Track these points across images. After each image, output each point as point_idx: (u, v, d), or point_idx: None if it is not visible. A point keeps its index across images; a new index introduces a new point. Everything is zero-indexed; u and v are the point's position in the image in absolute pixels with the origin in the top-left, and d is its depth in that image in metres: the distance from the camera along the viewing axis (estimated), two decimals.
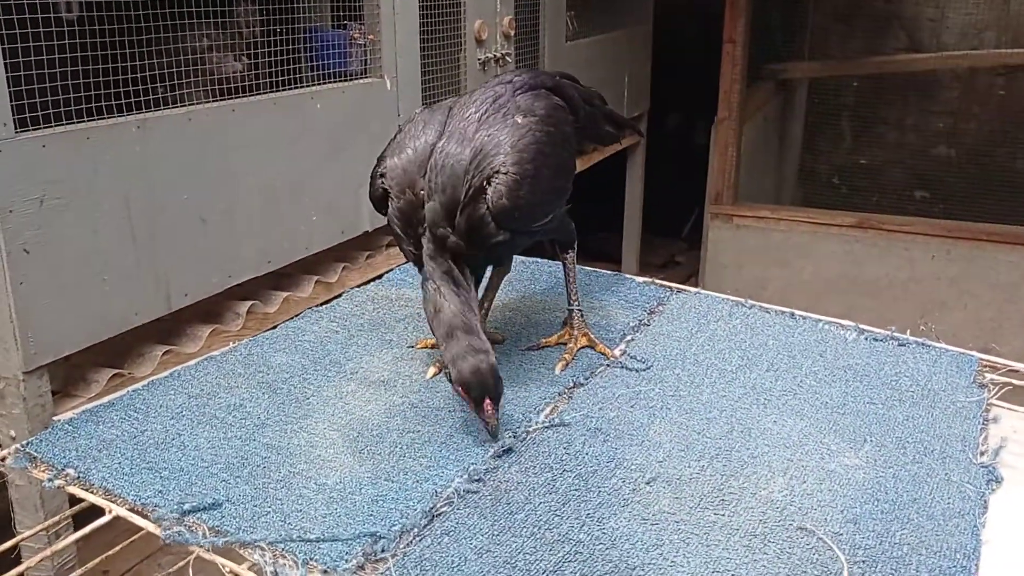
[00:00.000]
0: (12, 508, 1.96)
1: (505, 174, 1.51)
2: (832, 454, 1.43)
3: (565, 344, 1.78)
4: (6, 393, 1.88)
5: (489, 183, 1.51)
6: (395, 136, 1.67)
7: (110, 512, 1.25)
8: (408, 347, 1.79)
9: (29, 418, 1.89)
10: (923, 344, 1.80)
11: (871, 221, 4.86)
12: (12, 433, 1.91)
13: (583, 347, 1.78)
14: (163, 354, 2.21)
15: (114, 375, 2.09)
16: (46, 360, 1.89)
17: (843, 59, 5.90)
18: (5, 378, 1.87)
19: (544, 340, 1.81)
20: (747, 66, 4.97)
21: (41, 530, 1.57)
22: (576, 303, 1.81)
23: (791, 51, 5.72)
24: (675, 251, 6.31)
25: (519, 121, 1.60)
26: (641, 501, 1.30)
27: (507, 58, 3.53)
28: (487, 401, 1.43)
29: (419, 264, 1.59)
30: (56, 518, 1.60)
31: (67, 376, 2.06)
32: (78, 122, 1.91)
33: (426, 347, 1.78)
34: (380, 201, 1.63)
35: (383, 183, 1.61)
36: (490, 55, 3.42)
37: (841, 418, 1.54)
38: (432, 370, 1.69)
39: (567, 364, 1.71)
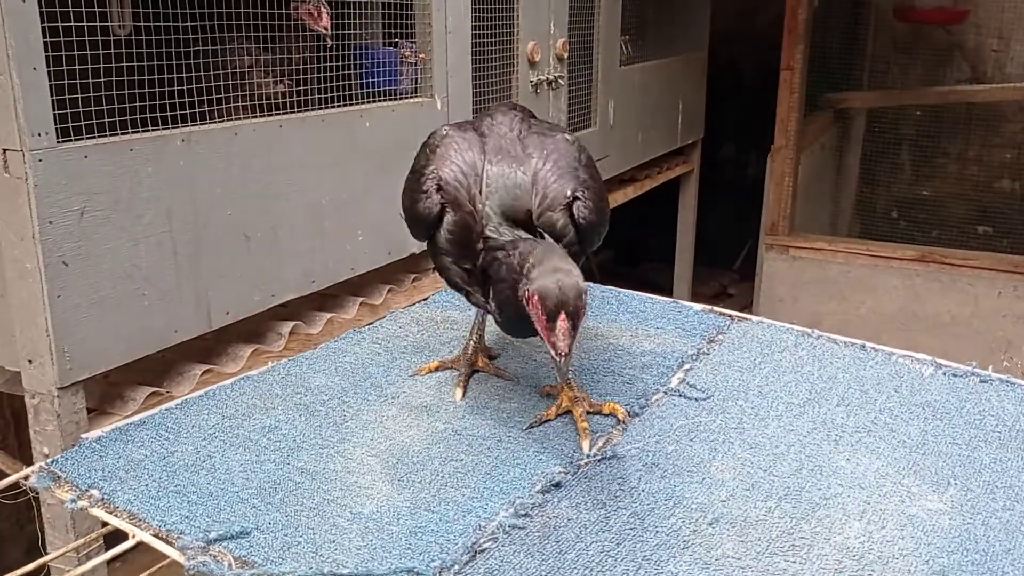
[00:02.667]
0: (43, 528, 1.91)
1: (589, 189, 1.49)
2: (913, 497, 1.31)
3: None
4: (40, 409, 1.83)
5: (576, 198, 1.48)
6: (430, 151, 1.56)
7: (133, 537, 1.18)
8: (411, 375, 1.68)
9: (63, 435, 1.83)
10: (1008, 381, 1.67)
11: (933, 255, 4.68)
12: (45, 450, 1.86)
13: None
14: (202, 373, 2.16)
15: (151, 394, 2.03)
16: (82, 376, 1.84)
17: (903, 89, 5.75)
18: (40, 394, 1.82)
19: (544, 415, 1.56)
20: (804, 95, 4.86)
21: (70, 551, 1.50)
22: None
23: (849, 80, 5.59)
24: (727, 282, 6.17)
25: (568, 138, 1.58)
26: (703, 543, 1.19)
27: (560, 81, 3.46)
28: (562, 317, 1.25)
29: (467, 283, 1.49)
30: (83, 539, 1.54)
31: (104, 394, 2.01)
32: (122, 133, 1.87)
33: (430, 371, 1.68)
34: (435, 217, 1.49)
35: (442, 197, 1.48)
36: (542, 77, 3.35)
37: (921, 458, 1.41)
38: (459, 392, 1.59)
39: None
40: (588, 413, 1.50)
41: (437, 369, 1.68)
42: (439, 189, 1.48)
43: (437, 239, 1.50)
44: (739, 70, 6.11)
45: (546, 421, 1.51)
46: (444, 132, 1.58)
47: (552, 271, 1.30)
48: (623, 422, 1.50)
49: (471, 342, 1.68)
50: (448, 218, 1.47)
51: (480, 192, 1.47)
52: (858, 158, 5.98)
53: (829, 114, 5.53)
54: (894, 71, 5.89)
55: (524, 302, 1.32)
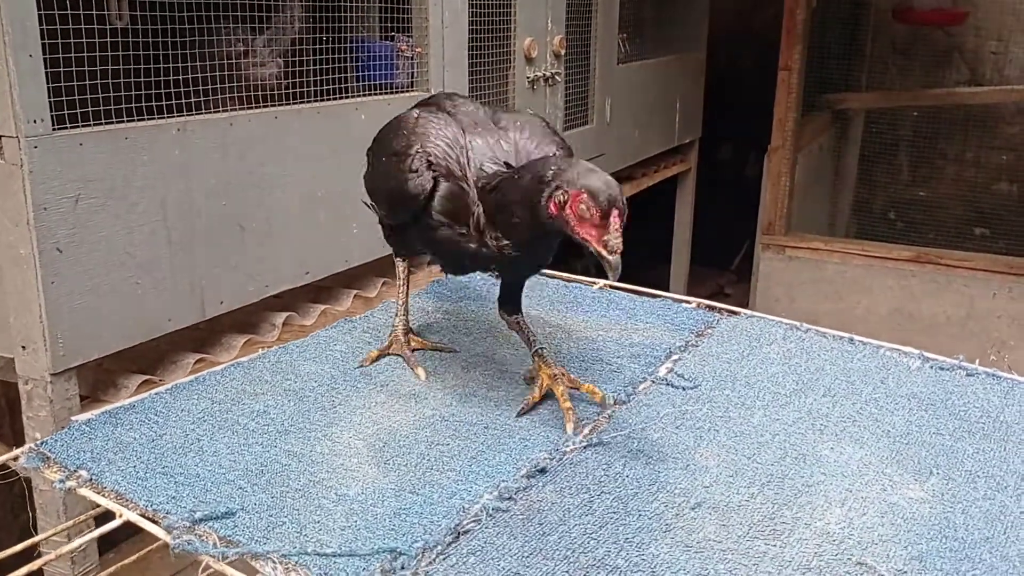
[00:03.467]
0: (35, 514, 1.92)
1: (565, 149, 1.52)
2: (895, 486, 1.32)
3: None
4: (33, 395, 1.84)
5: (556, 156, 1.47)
6: (407, 133, 1.54)
7: (120, 516, 1.19)
8: (357, 366, 1.67)
9: (55, 421, 1.85)
10: (994, 375, 1.68)
11: (929, 255, 4.70)
12: (38, 436, 1.87)
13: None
14: (195, 362, 2.17)
15: (144, 381, 2.04)
16: (75, 363, 1.85)
17: (901, 90, 5.76)
18: (33, 379, 1.83)
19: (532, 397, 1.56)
20: (802, 95, 4.87)
21: (59, 532, 1.51)
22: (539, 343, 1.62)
23: (848, 81, 5.60)
24: (724, 282, 6.18)
25: (533, 112, 1.63)
26: (685, 527, 1.20)
27: (556, 77, 3.47)
28: (615, 214, 1.24)
29: (462, 243, 1.45)
30: (72, 521, 1.55)
31: (97, 381, 2.02)
32: (117, 122, 1.88)
33: (373, 361, 1.68)
34: (427, 194, 1.46)
35: (434, 173, 1.46)
36: (539, 74, 3.36)
37: (905, 448, 1.42)
38: (422, 371, 1.63)
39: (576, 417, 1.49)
40: (568, 389, 1.52)
41: (378, 358, 1.70)
42: (430, 166, 1.47)
43: (428, 214, 1.47)
44: (738, 70, 6.12)
45: (535, 405, 1.51)
46: (416, 114, 1.58)
47: (588, 171, 1.28)
48: (602, 405, 1.50)
49: (398, 326, 1.72)
50: (442, 188, 1.45)
51: (468, 163, 1.46)
52: (856, 159, 5.99)
53: (827, 115, 5.54)
54: (892, 72, 5.90)
55: (556, 208, 1.28)
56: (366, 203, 1.71)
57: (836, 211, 5.96)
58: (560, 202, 1.27)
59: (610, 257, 1.24)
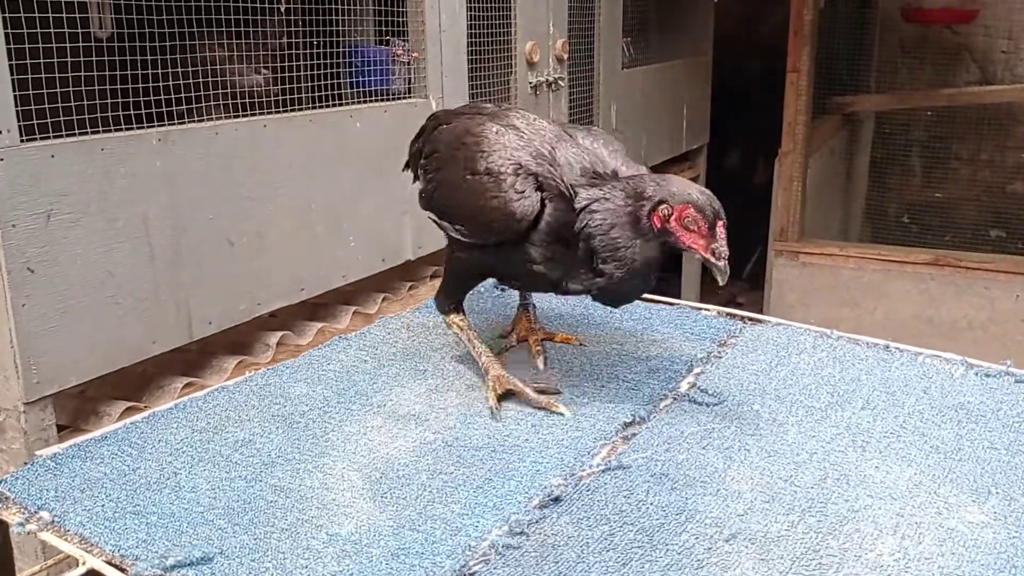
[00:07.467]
0: (9, 550, 1.79)
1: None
2: (951, 508, 1.18)
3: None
4: (6, 426, 1.72)
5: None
6: (486, 147, 1.44)
7: (83, 564, 1.06)
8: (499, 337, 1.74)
9: (30, 453, 1.71)
10: None
11: (948, 259, 4.55)
12: (12, 470, 1.74)
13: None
14: (184, 387, 2.04)
15: (128, 408, 1.91)
16: (50, 390, 1.72)
17: (911, 91, 5.64)
18: (5, 410, 1.70)
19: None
20: (812, 98, 4.75)
21: (36, 572, 1.38)
22: None
23: (857, 84, 5.49)
24: (736, 291, 6.04)
25: (601, 129, 1.64)
26: (719, 563, 1.07)
27: (559, 82, 3.35)
28: (720, 224, 1.30)
29: (552, 269, 1.42)
30: (51, 561, 1.42)
31: (77, 409, 1.89)
32: (92, 132, 1.76)
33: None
34: (535, 217, 1.38)
35: (543, 195, 1.38)
36: (542, 79, 3.25)
37: (957, 465, 1.28)
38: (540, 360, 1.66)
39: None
40: (542, 340, 1.72)
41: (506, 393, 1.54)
42: (539, 187, 1.38)
43: (530, 238, 1.39)
44: (745, 74, 6.01)
45: (510, 347, 1.74)
46: (494, 128, 1.47)
47: (683, 184, 1.33)
48: (583, 344, 1.70)
49: (490, 370, 1.54)
50: (549, 210, 1.37)
51: (563, 178, 1.40)
52: (867, 162, 5.87)
53: (837, 118, 5.42)
54: (902, 73, 5.79)
55: (660, 221, 1.31)
56: (434, 220, 1.57)
57: (849, 215, 5.84)
58: (665, 216, 1.32)
59: (719, 263, 1.30)
